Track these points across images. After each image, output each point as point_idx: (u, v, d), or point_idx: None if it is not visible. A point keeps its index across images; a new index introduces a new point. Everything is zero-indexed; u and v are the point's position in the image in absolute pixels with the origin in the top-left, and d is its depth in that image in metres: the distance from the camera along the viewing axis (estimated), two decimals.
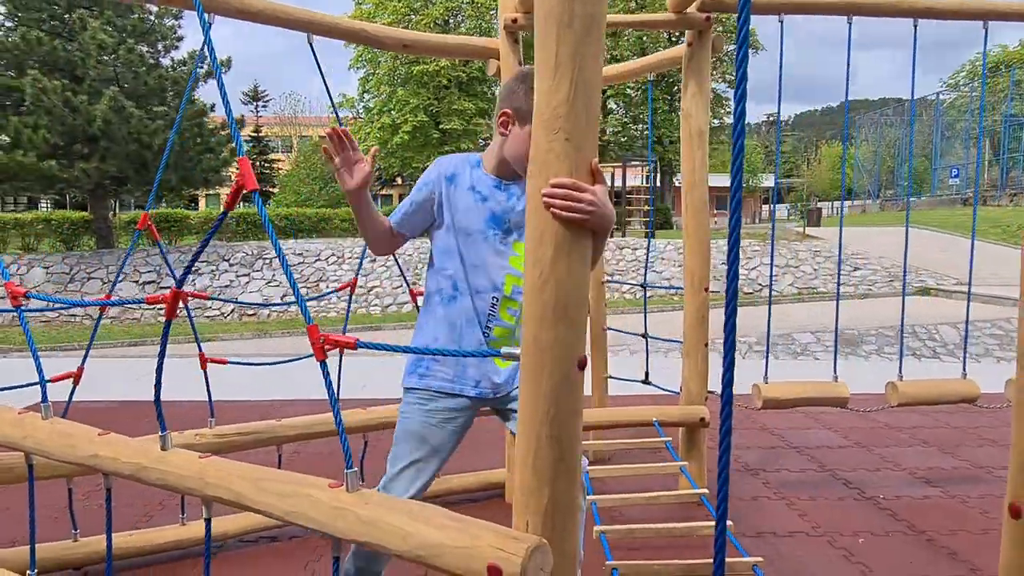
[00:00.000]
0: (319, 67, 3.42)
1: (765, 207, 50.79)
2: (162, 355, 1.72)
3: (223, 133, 17.27)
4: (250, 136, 47.84)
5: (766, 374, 3.94)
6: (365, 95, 35.27)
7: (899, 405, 3.92)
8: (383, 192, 45.08)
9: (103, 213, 17.20)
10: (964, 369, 4.03)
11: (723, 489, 1.19)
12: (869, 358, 9.32)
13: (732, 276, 0.96)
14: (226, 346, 12.02)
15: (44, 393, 2.03)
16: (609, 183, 26.49)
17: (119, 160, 14.68)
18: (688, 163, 3.80)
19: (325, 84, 3.45)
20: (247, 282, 15.73)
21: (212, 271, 15.82)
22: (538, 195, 1.24)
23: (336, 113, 3.44)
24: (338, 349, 1.49)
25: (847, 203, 54.76)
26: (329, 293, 3.81)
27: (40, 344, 12.53)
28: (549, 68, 1.23)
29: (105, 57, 14.55)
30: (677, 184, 44.07)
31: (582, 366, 1.30)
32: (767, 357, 4.06)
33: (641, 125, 36.22)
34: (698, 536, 3.06)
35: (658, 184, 36.04)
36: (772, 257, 3.62)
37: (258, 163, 46.98)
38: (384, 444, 4.72)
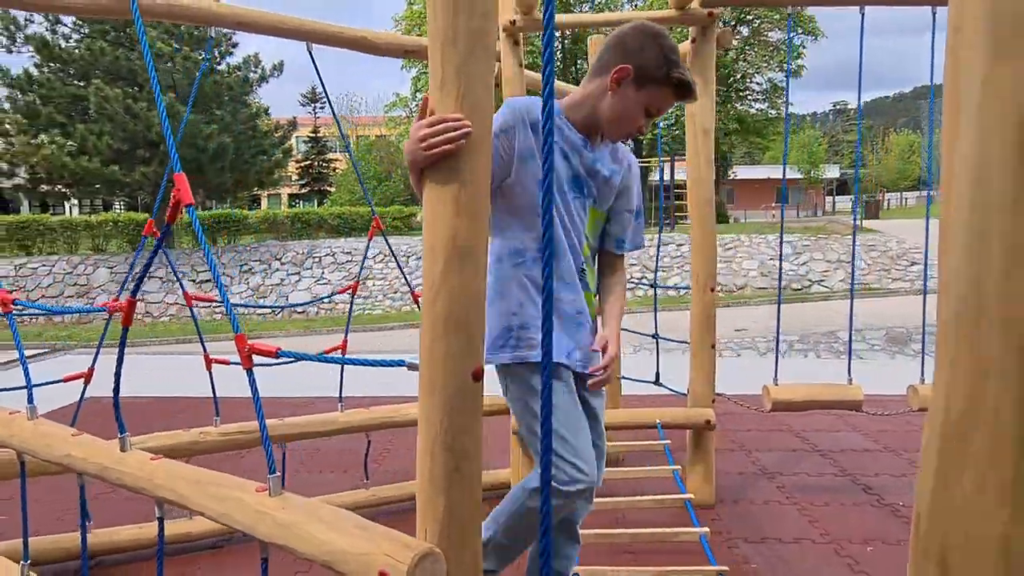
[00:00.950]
0: (319, 75, 3.50)
1: (829, 199, 49.12)
2: (120, 360, 1.80)
3: (277, 135, 17.77)
4: (308, 137, 48.99)
5: (776, 375, 3.85)
6: (417, 94, 35.68)
7: (920, 410, 3.78)
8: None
9: (163, 215, 17.89)
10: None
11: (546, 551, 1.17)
12: (918, 357, 8.98)
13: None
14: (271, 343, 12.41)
15: (30, 395, 2.15)
16: (658, 177, 26.14)
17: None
18: (693, 160, 3.75)
19: (324, 89, 3.53)
20: (297, 280, 16.17)
21: (264, 270, 16.31)
22: (432, 207, 1.27)
23: (335, 116, 3.51)
24: (267, 354, 1.53)
25: (916, 193, 52.66)
26: (326, 297, 3.89)
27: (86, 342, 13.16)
28: (436, 84, 1.25)
29: (163, 65, 15.15)
30: (733, 175, 43.27)
31: (477, 377, 1.31)
32: (776, 357, 3.96)
33: None
34: (675, 542, 3.02)
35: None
36: (781, 250, 3.54)
37: (316, 163, 48.08)
38: (388, 444, 4.79)
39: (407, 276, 3.91)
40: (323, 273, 16.36)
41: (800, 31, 32.69)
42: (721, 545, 3.37)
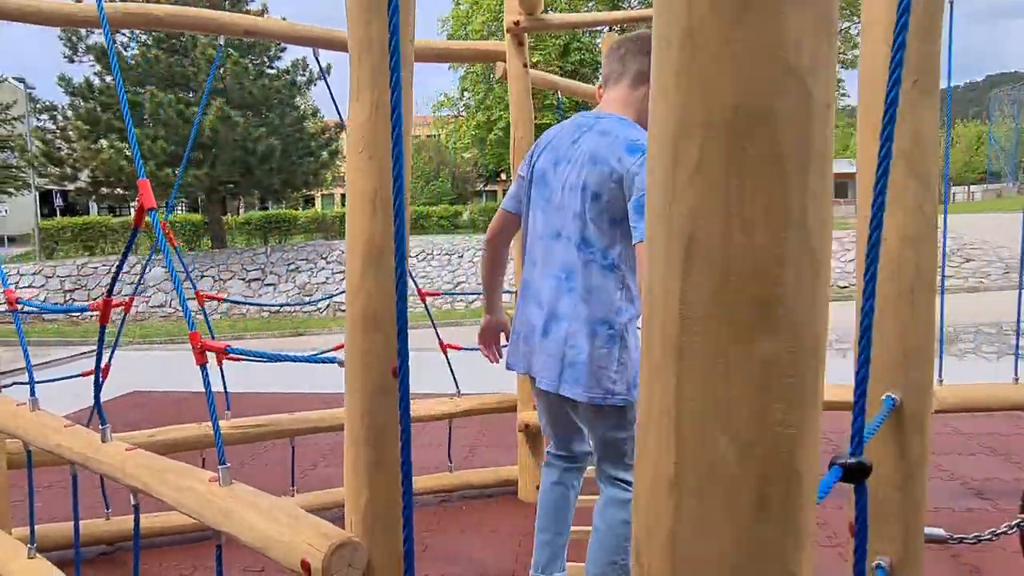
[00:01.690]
0: (325, 79, 3.59)
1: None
2: (99, 356, 1.90)
3: (324, 137, 18.17)
4: None
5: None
6: (464, 93, 35.94)
7: (937, 412, 3.66)
8: (488, 188, 45.79)
9: (216, 215, 18.53)
10: (1016, 373, 3.71)
11: None
12: (964, 357, 8.63)
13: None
14: (312, 340, 12.72)
15: (32, 388, 2.28)
16: None
17: (226, 166, 15.79)
18: None
19: (330, 92, 3.63)
20: (342, 279, 16.51)
21: (311, 269, 16.71)
22: (351, 209, 1.31)
23: (341, 118, 3.59)
24: (215, 354, 1.60)
25: (983, 187, 50.55)
26: (322, 299, 3.99)
27: (133, 338, 13.72)
28: (353, 90, 1.30)
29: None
30: None
31: (396, 373, 1.35)
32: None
33: None
34: None
35: None
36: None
37: None
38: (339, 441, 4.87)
39: (413, 277, 3.99)
40: None
41: (857, 20, 31.71)
42: None
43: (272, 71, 17.99)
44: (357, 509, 1.36)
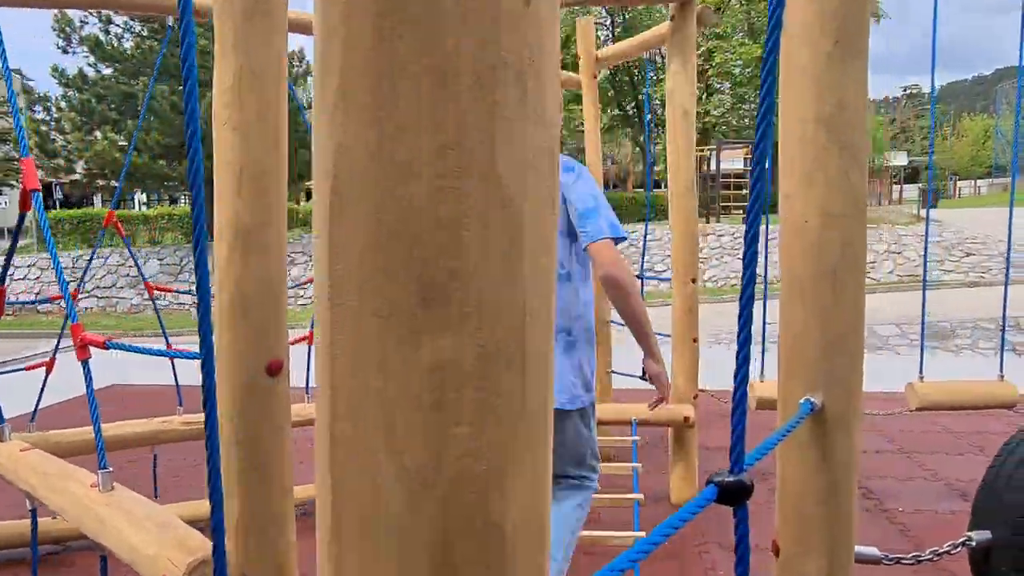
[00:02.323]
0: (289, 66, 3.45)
1: (895, 188, 47.19)
2: None
3: None
4: None
5: (762, 371, 3.65)
6: None
7: (919, 409, 3.52)
8: None
9: (209, 208, 18.43)
10: (1001, 369, 3.56)
11: None
12: (960, 353, 8.47)
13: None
14: (297, 332, 12.61)
15: None
16: (706, 166, 25.48)
17: None
18: (673, 144, 3.57)
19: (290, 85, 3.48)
20: None
21: (306, 262, 16.59)
22: (216, 185, 1.19)
23: (301, 107, 3.46)
24: (92, 347, 1.48)
25: (987, 181, 50.10)
26: (299, 284, 3.86)
27: (125, 330, 13.64)
28: (217, 52, 1.17)
29: (208, 62, 15.51)
30: None
31: (273, 371, 1.22)
32: (763, 351, 3.75)
33: (749, 105, 34.58)
34: (610, 545, 2.87)
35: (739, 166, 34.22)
36: (767, 239, 3.33)
37: None
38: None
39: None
40: None
41: None
42: (691, 550, 3.21)
43: None
44: (229, 521, 1.22)
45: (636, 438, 3.29)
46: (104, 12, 16.07)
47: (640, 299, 1.92)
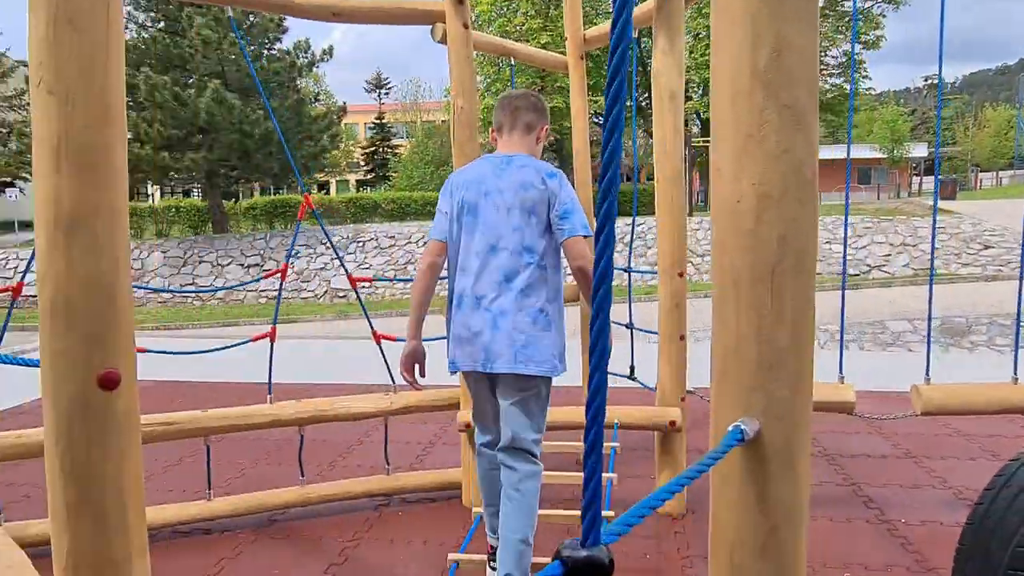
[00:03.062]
0: (242, 45, 3.25)
1: (915, 179, 46.37)
2: None
3: (323, 121, 17.89)
4: (373, 123, 49.62)
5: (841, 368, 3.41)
6: (477, 76, 35.47)
7: (925, 414, 3.27)
8: None
9: (216, 200, 18.35)
10: (1016, 371, 3.30)
11: None
12: (975, 350, 8.14)
13: None
14: (304, 327, 12.48)
15: None
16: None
17: (224, 149, 15.55)
18: (660, 130, 3.33)
19: (249, 63, 3.28)
20: (339, 264, 16.29)
21: (310, 254, 16.46)
22: (35, 161, 0.98)
23: (259, 87, 3.25)
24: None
25: (1009, 172, 49.12)
26: (257, 279, 3.66)
27: (153, 322, 13.56)
28: (30, 2, 0.96)
29: (210, 53, 15.40)
30: None
31: (108, 384, 1.01)
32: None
33: None
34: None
35: None
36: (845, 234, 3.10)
37: (381, 149, 48.67)
38: (320, 436, 4.55)
39: (342, 259, 3.67)
40: (365, 258, 16.38)
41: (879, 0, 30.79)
42: (676, 563, 2.99)
43: (271, 53, 17.67)
44: (59, 557, 1.02)
45: (615, 444, 3.06)
46: None
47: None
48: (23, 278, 3.12)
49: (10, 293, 2.96)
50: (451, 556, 2.35)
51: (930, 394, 3.23)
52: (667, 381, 3.40)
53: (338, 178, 49.35)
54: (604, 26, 3.99)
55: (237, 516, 3.36)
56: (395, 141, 49.75)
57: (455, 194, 2.39)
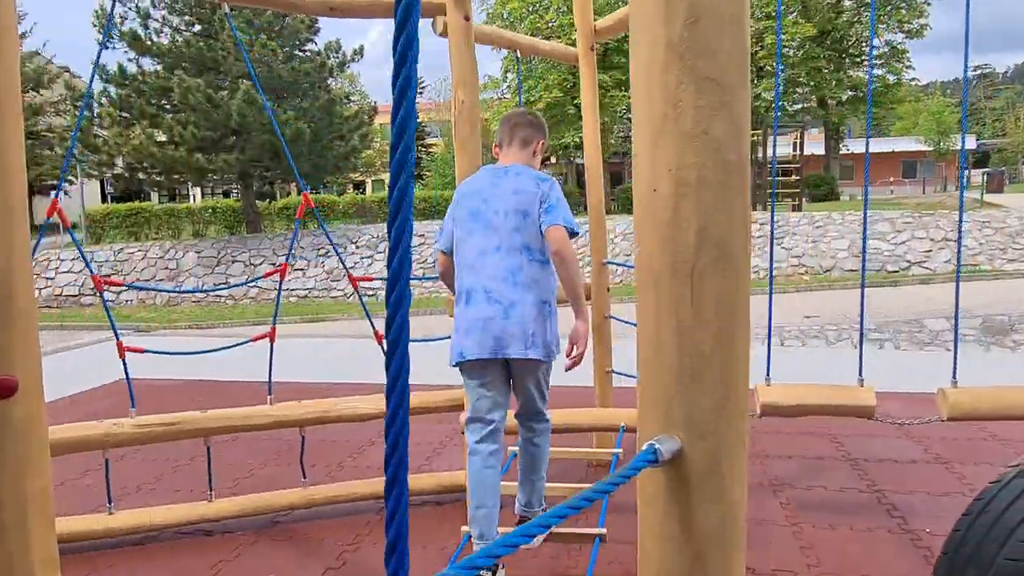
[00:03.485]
0: (239, 41, 3.22)
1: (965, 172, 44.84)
2: None
3: (353, 121, 17.99)
4: None
5: (768, 372, 3.26)
6: (508, 74, 35.38)
7: (951, 419, 3.09)
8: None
9: (250, 200, 18.59)
10: None
11: None
12: (1017, 349, 7.78)
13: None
14: (331, 326, 12.53)
15: None
16: (754, 151, 24.48)
17: (255, 150, 15.73)
18: None
19: (246, 58, 3.25)
20: (369, 263, 16.33)
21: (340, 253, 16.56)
22: None
23: (255, 79, 3.20)
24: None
25: None
26: (256, 280, 3.63)
27: (186, 321, 13.79)
28: None
29: (241, 55, 15.58)
30: (845, 150, 40.22)
31: (3, 391, 0.95)
32: (768, 349, 3.36)
33: (802, 88, 33.22)
34: None
35: (798, 150, 32.98)
36: (772, 230, 2.95)
37: (415, 148, 48.98)
38: (330, 437, 4.49)
39: (343, 261, 3.62)
40: None
41: None
42: None
43: (302, 54, 17.83)
44: None
45: (618, 451, 2.95)
46: (142, 5, 16.30)
47: (578, 270, 2.53)
48: None
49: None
50: None
51: (957, 398, 3.06)
52: None
53: (373, 178, 49.77)
54: (616, 14, 3.87)
55: (238, 517, 3.33)
56: (429, 140, 49.97)
57: (461, 202, 2.67)
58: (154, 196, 32.27)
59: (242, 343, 3.41)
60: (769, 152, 24.54)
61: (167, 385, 6.47)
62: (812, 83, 32.02)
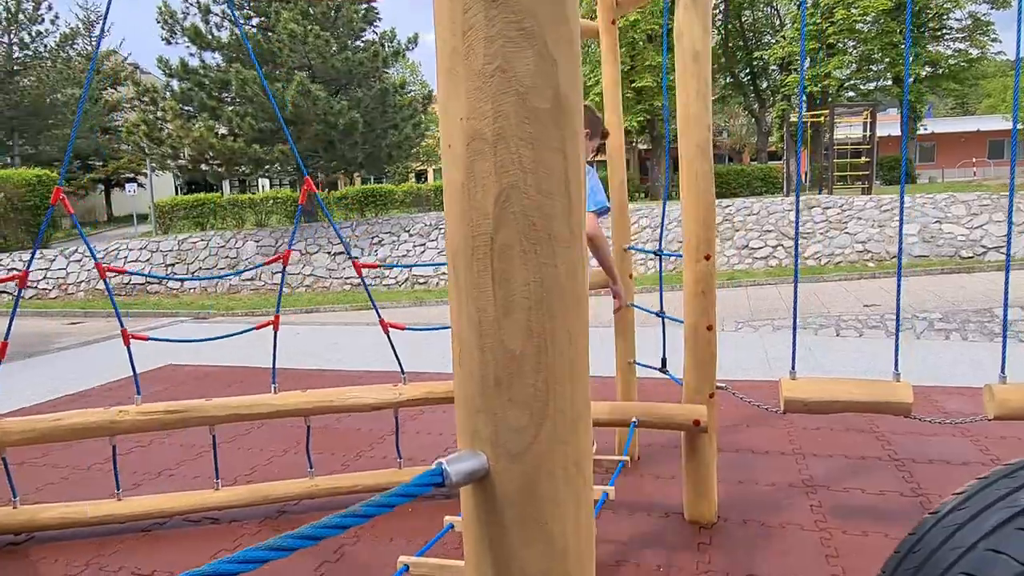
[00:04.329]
0: (241, 33, 3.14)
1: None
2: None
3: (407, 110, 18.05)
4: None
5: (793, 365, 3.02)
6: None
7: (998, 418, 2.80)
8: (598, 158, 44.70)
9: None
10: None
11: None
12: None
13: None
14: (338, 316, 12.62)
15: None
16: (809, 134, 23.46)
17: (309, 140, 15.96)
18: (683, 95, 2.99)
19: (257, 65, 3.17)
20: (422, 251, 16.39)
21: (393, 241, 16.68)
22: None
23: (255, 61, 3.14)
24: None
25: None
26: (259, 267, 3.58)
27: (243, 308, 14.14)
28: None
29: (297, 46, 15.81)
30: (923, 130, 38.11)
31: None
32: (794, 341, 3.11)
33: (879, 65, 31.54)
34: None
35: (869, 131, 31.34)
36: (797, 220, 2.71)
37: None
38: (354, 425, 4.40)
39: (347, 245, 3.54)
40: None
41: None
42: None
43: (357, 44, 17.97)
44: None
45: (624, 458, 2.77)
46: (203, 1, 16.70)
47: (606, 249, 2.87)
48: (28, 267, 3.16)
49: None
50: (402, 559, 2.19)
51: (1006, 395, 2.76)
52: (692, 375, 3.07)
53: (434, 167, 50.17)
54: None
55: (245, 507, 3.31)
56: None
57: None
58: (226, 187, 33.34)
59: (247, 330, 3.37)
60: (837, 134, 23.43)
61: (213, 372, 6.59)
62: (887, 59, 30.46)
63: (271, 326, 3.26)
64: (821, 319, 8.80)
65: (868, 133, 22.35)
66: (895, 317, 3.00)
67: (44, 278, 16.86)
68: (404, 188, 24.18)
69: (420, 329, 3.48)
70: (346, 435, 4.51)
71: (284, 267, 3.27)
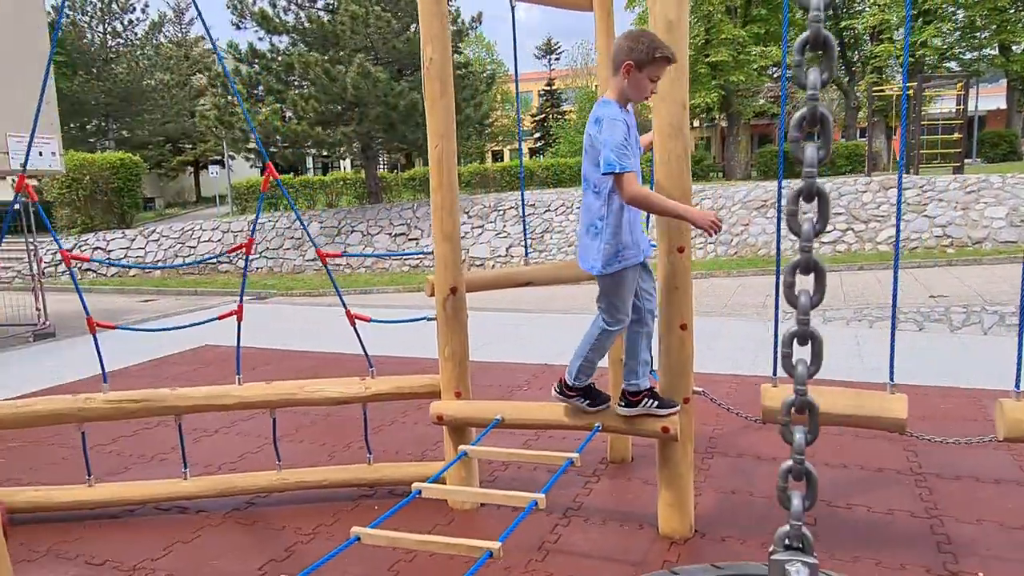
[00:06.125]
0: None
1: None
2: None
3: (467, 91, 17.90)
4: (543, 90, 49.50)
5: (775, 371, 2.72)
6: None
7: (1008, 440, 2.43)
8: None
9: (371, 171, 19.12)
10: None
11: None
12: None
13: None
14: (388, 298, 12.59)
15: None
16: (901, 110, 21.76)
17: (370, 122, 16.06)
18: None
19: (207, 33, 3.08)
20: (480, 233, 16.30)
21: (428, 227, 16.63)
22: None
23: (218, 51, 3.04)
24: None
25: None
26: (220, 255, 3.50)
27: (302, 288, 14.44)
28: None
29: (359, 28, 15.88)
30: None
31: None
32: (776, 340, 2.80)
33: (984, 33, 29.10)
34: None
35: (963, 104, 28.95)
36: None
37: (551, 116, 48.47)
38: (356, 414, 4.32)
39: (309, 232, 3.42)
40: (504, 226, 16.27)
41: None
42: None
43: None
44: None
45: (573, 455, 2.55)
46: None
47: (657, 199, 2.59)
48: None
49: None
50: (355, 529, 2.09)
51: (1019, 414, 2.38)
52: (665, 378, 2.81)
53: (509, 147, 49.89)
54: None
55: (214, 497, 3.28)
56: (565, 107, 49.25)
57: None
58: (311, 169, 34.31)
59: (211, 320, 3.32)
60: (931, 108, 21.76)
61: (247, 354, 6.68)
62: (993, 26, 28.10)
63: (234, 316, 3.19)
64: (879, 310, 8.14)
65: (961, 107, 20.63)
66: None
67: (125, 256, 17.74)
68: (470, 169, 24.17)
69: (387, 321, 3.34)
70: (342, 425, 4.45)
71: (247, 255, 3.18)
